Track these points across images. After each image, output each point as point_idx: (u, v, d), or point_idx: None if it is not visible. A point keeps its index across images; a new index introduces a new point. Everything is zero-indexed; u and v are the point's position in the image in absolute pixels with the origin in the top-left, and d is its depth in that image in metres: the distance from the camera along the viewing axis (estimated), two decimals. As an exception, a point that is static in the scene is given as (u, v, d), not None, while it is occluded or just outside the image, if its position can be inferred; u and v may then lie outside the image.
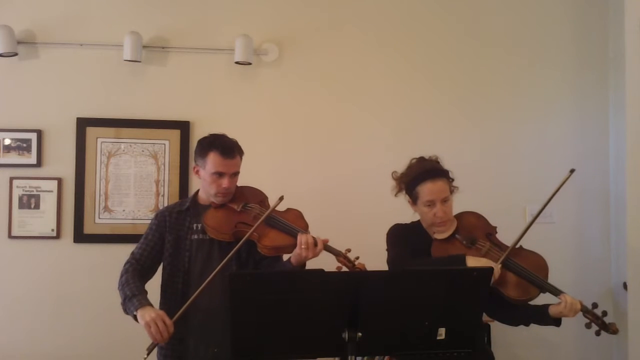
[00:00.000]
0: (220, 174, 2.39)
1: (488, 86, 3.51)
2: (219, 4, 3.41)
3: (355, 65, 3.45)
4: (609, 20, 3.52)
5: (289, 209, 2.50)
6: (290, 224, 2.40)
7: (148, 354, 2.20)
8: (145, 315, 2.19)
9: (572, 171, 2.30)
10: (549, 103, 3.52)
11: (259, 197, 2.50)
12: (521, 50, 3.52)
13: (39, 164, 3.29)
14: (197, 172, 2.48)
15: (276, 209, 2.45)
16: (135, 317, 2.24)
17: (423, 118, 3.46)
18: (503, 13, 3.53)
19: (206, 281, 2.25)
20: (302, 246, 2.26)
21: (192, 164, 3.31)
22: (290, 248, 2.38)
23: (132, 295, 2.28)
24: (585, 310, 2.28)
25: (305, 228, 2.42)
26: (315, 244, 2.28)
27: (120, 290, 2.35)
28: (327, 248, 2.33)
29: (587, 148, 3.51)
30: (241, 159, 2.47)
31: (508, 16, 3.53)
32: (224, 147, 2.40)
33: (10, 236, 3.26)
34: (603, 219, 3.51)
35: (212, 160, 2.38)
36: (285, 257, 2.51)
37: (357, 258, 2.33)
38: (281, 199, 2.35)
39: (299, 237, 2.30)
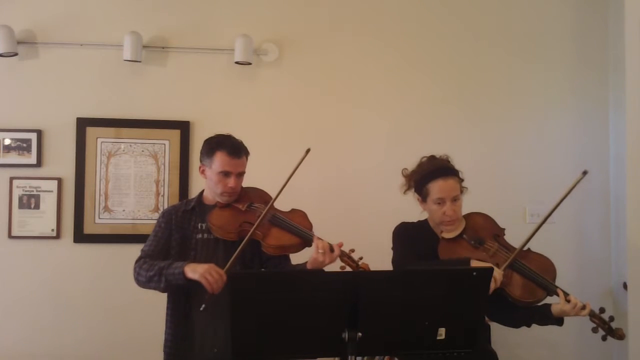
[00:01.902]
0: (226, 174, 2.41)
1: (488, 86, 3.51)
2: (219, 4, 3.41)
3: (355, 65, 3.45)
4: (609, 20, 3.52)
5: (293, 210, 2.52)
6: (295, 223, 2.42)
7: (204, 307, 2.25)
8: (196, 268, 2.23)
9: (584, 173, 2.28)
10: (549, 103, 3.52)
11: (264, 198, 2.52)
12: (521, 50, 3.52)
13: (39, 164, 3.28)
14: (202, 172, 2.50)
15: (281, 209, 2.47)
16: (181, 278, 2.25)
17: (423, 118, 3.46)
18: (503, 13, 3.53)
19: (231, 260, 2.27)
20: (320, 251, 2.28)
21: (192, 164, 3.34)
22: (295, 248, 2.40)
23: (168, 264, 2.31)
24: (592, 315, 2.27)
25: (309, 228, 2.44)
26: (332, 250, 2.29)
27: (150, 270, 2.32)
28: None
29: (587, 148, 3.51)
30: (247, 159, 2.49)
31: (508, 16, 3.53)
32: (231, 147, 2.43)
33: (10, 236, 3.26)
34: (603, 219, 3.51)
35: (219, 160, 2.41)
36: (294, 259, 2.53)
37: (361, 258, 2.34)
38: (308, 151, 2.39)
39: (315, 242, 2.32)
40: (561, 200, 2.29)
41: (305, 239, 2.39)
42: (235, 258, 2.29)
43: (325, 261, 2.28)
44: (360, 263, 2.33)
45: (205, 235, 2.45)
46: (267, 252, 2.39)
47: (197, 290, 2.29)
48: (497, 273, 2.23)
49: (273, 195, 2.51)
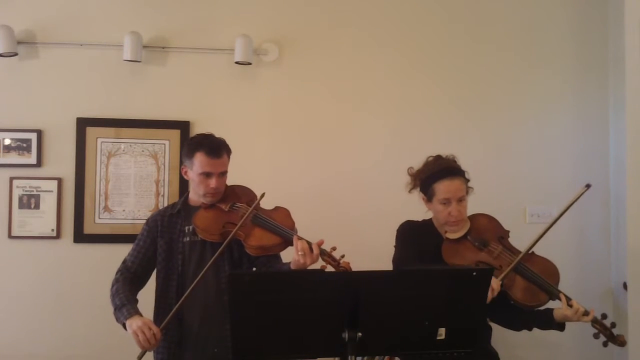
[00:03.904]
0: (207, 174, 2.38)
1: (488, 86, 3.50)
2: (219, 4, 3.41)
3: (355, 65, 3.45)
4: (609, 20, 3.52)
5: (277, 207, 2.48)
6: (277, 222, 2.38)
7: None
8: (132, 324, 2.23)
9: (587, 186, 2.29)
10: (549, 103, 3.52)
11: (248, 196, 2.49)
12: (521, 50, 3.52)
13: (39, 164, 3.28)
14: (185, 173, 2.48)
15: (264, 207, 2.45)
16: (124, 326, 2.27)
17: (423, 118, 3.46)
18: (503, 13, 3.53)
19: (190, 288, 2.27)
20: (299, 252, 2.24)
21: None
22: (277, 247, 2.38)
23: (122, 305, 2.32)
24: (594, 321, 2.27)
25: (291, 227, 2.40)
26: (311, 250, 2.26)
27: (112, 301, 2.37)
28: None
29: (587, 148, 3.51)
30: (229, 157, 2.45)
31: (508, 16, 3.53)
32: (210, 147, 2.39)
33: (10, 236, 3.26)
34: (603, 219, 3.50)
35: (199, 161, 2.37)
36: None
37: (343, 256, 2.31)
38: (262, 195, 2.35)
39: (295, 243, 2.28)
40: (562, 213, 2.29)
41: (286, 239, 2.35)
42: (215, 259, 2.27)
43: (306, 262, 2.24)
44: (341, 262, 2.30)
45: (192, 238, 2.43)
46: (249, 253, 2.36)
47: (188, 290, 2.30)
48: (495, 283, 2.20)
49: (273, 197, 2.50)
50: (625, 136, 3.00)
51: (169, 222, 2.48)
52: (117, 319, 2.32)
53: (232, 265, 2.40)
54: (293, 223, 2.43)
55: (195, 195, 2.48)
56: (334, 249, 2.32)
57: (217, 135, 2.49)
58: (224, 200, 2.45)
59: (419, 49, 3.49)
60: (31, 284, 3.26)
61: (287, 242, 2.36)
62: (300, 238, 2.29)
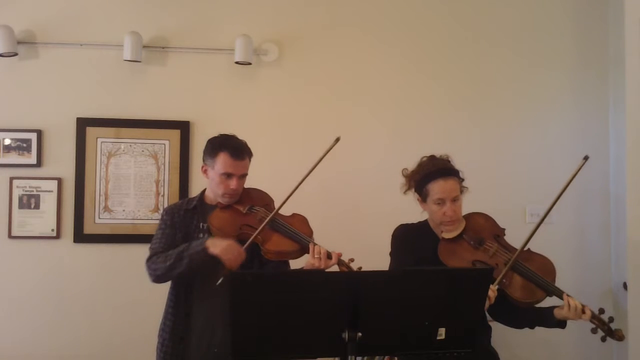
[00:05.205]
0: (228, 175, 2.40)
1: (488, 86, 3.51)
2: (219, 4, 3.41)
3: (356, 65, 3.45)
4: (609, 20, 3.52)
5: (294, 214, 2.50)
6: (295, 229, 2.40)
7: (221, 281, 2.22)
8: (216, 244, 2.26)
9: (586, 158, 2.30)
10: (549, 103, 3.52)
11: (265, 200, 2.51)
12: (521, 50, 3.52)
13: (39, 164, 3.28)
14: (205, 172, 2.49)
15: (282, 213, 2.45)
16: (204, 254, 2.26)
17: (423, 118, 3.46)
18: (503, 12, 3.53)
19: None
20: (316, 256, 2.27)
21: (192, 164, 3.34)
22: (293, 254, 2.39)
23: (187, 246, 2.32)
24: (592, 316, 2.27)
25: (309, 234, 2.42)
26: (329, 257, 2.29)
27: (165, 262, 2.32)
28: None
29: (587, 148, 3.50)
30: (250, 160, 2.48)
31: (508, 16, 3.53)
32: (234, 148, 2.41)
33: (10, 236, 3.26)
34: (603, 219, 3.51)
35: (222, 161, 2.39)
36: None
37: (360, 268, 2.29)
38: (337, 140, 2.41)
39: (311, 247, 2.31)
40: (565, 188, 2.29)
41: (304, 246, 2.37)
42: (249, 243, 2.29)
43: (320, 267, 2.27)
44: None
45: (206, 235, 2.44)
46: (266, 257, 2.38)
47: (199, 286, 2.34)
48: (491, 291, 2.20)
49: (274, 197, 2.50)
50: (625, 136, 3.00)
51: (185, 217, 2.49)
52: (196, 254, 2.28)
53: (243, 266, 2.40)
54: (311, 231, 2.45)
55: (212, 194, 2.49)
56: (351, 260, 2.34)
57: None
58: (240, 202, 2.46)
59: (419, 48, 3.49)
60: (31, 284, 3.26)
61: (305, 250, 2.38)
62: (317, 245, 2.33)
